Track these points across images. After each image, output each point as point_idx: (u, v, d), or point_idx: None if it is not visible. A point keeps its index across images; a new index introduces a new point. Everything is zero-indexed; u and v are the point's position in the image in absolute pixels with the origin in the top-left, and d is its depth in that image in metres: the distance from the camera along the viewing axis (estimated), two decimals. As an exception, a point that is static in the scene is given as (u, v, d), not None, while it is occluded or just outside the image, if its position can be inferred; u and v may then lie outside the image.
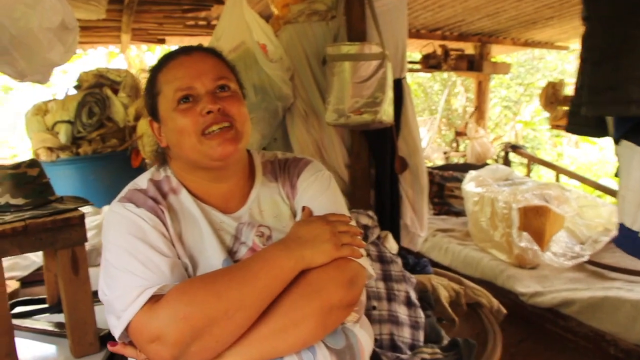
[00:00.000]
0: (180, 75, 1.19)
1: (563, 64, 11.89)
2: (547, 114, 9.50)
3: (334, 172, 2.95)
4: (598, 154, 11.15)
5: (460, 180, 5.19)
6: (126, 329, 1.05)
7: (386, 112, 2.63)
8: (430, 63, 6.07)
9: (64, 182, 3.68)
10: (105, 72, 3.96)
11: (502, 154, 6.58)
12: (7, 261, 2.33)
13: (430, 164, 6.90)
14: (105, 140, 3.81)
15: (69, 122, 3.65)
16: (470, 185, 4.35)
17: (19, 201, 1.76)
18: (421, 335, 2.18)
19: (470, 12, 4.98)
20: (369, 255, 2.36)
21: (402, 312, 2.21)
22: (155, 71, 1.25)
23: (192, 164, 1.22)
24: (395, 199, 3.07)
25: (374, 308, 2.18)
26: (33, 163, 1.88)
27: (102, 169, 3.73)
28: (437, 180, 5.48)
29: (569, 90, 5.78)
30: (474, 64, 6.38)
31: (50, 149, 3.66)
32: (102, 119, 3.76)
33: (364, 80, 2.58)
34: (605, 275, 3.57)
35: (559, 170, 6.13)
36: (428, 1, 4.53)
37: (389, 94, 2.65)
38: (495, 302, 2.70)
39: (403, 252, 2.86)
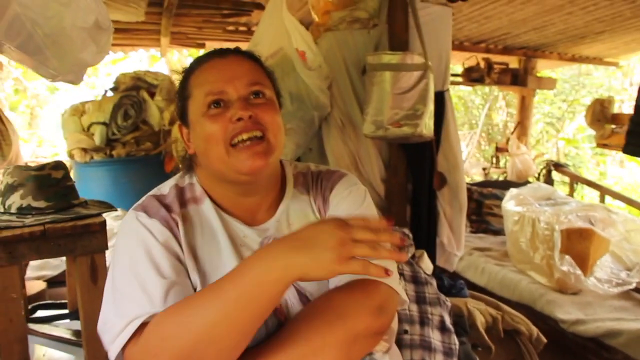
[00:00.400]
0: (212, 78, 1.11)
1: (610, 80, 11.57)
2: (591, 132, 9.29)
3: (369, 186, 2.86)
4: (645, 174, 10.81)
5: (499, 198, 5.05)
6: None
7: (427, 126, 2.53)
8: (473, 76, 5.93)
9: (96, 183, 3.68)
10: (142, 74, 3.95)
11: (544, 172, 6.38)
12: (37, 259, 2.30)
13: (468, 180, 6.74)
14: (139, 143, 3.78)
15: (104, 123, 3.64)
16: (510, 203, 4.20)
17: (41, 204, 1.72)
18: (455, 364, 2.06)
19: (516, 25, 4.84)
20: (402, 275, 2.26)
21: (435, 337, 2.10)
22: (188, 73, 1.18)
23: (219, 176, 1.14)
24: (432, 216, 2.98)
25: (406, 332, 2.07)
26: (58, 165, 1.84)
27: (135, 172, 3.71)
28: (475, 196, 5.34)
29: (618, 107, 5.58)
30: (518, 79, 6.23)
31: (84, 150, 3.65)
32: (137, 121, 3.74)
33: (404, 91, 2.49)
34: (655, 305, 3.38)
35: (604, 190, 5.91)
36: (473, 13, 4.40)
37: (430, 106, 2.56)
38: (535, 330, 2.57)
39: (438, 273, 2.74)
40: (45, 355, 1.86)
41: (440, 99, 2.86)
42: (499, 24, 4.81)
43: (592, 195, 8.73)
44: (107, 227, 1.79)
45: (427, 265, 2.51)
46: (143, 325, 0.95)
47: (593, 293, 3.51)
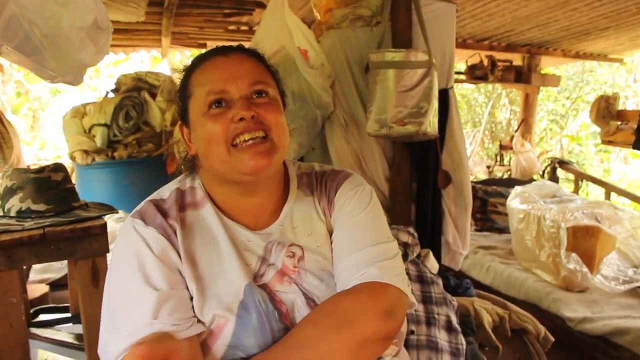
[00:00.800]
0: (214, 77, 1.08)
1: (614, 77, 11.52)
2: (595, 129, 9.25)
3: (373, 185, 2.82)
4: (649, 171, 10.76)
5: (504, 196, 5.03)
6: None
7: (431, 124, 2.51)
8: (476, 74, 5.89)
9: (97, 185, 3.66)
10: (143, 75, 3.93)
11: (549, 169, 6.35)
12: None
13: (472, 178, 6.71)
14: (141, 144, 3.76)
15: (105, 125, 3.62)
16: (515, 201, 4.17)
17: (41, 207, 1.70)
18: (462, 364, 2.04)
19: (520, 22, 4.80)
20: (408, 275, 2.23)
21: (442, 337, 2.08)
22: (189, 72, 1.15)
23: (220, 176, 1.12)
24: (437, 215, 2.95)
25: (412, 332, 2.05)
26: (58, 167, 1.81)
27: (137, 174, 3.69)
28: (480, 195, 5.32)
29: (622, 104, 5.54)
30: (521, 76, 6.19)
31: (85, 151, 3.63)
32: (138, 123, 3.72)
33: (408, 89, 2.46)
34: (662, 302, 3.34)
35: (609, 187, 5.87)
36: (476, 10, 4.37)
37: (435, 104, 2.53)
38: (542, 329, 2.55)
39: (444, 273, 2.71)
40: (47, 359, 1.83)
41: (445, 96, 2.84)
42: (502, 21, 4.77)
43: (596, 193, 8.68)
44: (109, 230, 1.77)
45: (432, 264, 2.48)
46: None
47: (600, 291, 3.49)
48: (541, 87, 7.02)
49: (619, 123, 5.43)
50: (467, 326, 2.29)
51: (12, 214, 1.72)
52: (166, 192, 1.16)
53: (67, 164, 4.38)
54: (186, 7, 3.83)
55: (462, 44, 5.55)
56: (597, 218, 3.62)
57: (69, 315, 2.18)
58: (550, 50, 6.13)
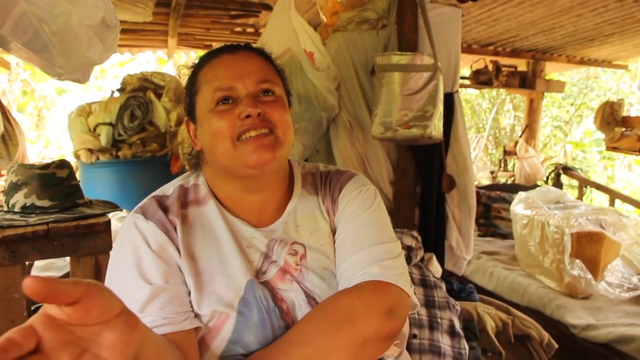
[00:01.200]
0: (222, 74, 1.09)
1: (618, 84, 11.50)
2: (599, 135, 9.23)
3: (377, 188, 2.81)
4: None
5: (507, 201, 5.02)
6: None
7: (436, 127, 2.50)
8: (481, 79, 5.90)
9: (101, 184, 3.66)
10: (149, 75, 3.93)
11: (553, 175, 6.33)
12: (42, 260, 2.26)
13: (476, 183, 6.70)
14: (145, 144, 3.76)
15: (110, 124, 3.63)
16: (519, 207, 4.15)
17: (45, 203, 1.70)
18: (465, 369, 2.03)
19: (525, 28, 4.80)
20: (411, 279, 2.22)
21: (444, 342, 2.07)
22: (197, 68, 1.16)
23: (225, 171, 1.12)
24: (440, 219, 2.94)
25: (415, 336, 2.05)
26: (63, 164, 1.81)
27: (141, 174, 3.69)
28: (483, 200, 5.31)
29: (626, 111, 5.54)
30: (526, 81, 6.19)
31: (90, 150, 3.63)
32: (143, 122, 3.72)
33: (414, 92, 2.45)
34: (667, 310, 3.32)
35: (613, 194, 5.85)
36: (482, 15, 4.37)
37: (440, 108, 2.53)
38: (546, 335, 2.54)
39: (447, 277, 2.71)
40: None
41: (450, 100, 2.83)
42: (507, 26, 4.77)
43: (600, 199, 8.67)
44: (112, 228, 1.76)
45: (436, 268, 2.48)
46: None
47: (604, 298, 3.47)
48: (545, 93, 7.00)
49: (623, 129, 5.42)
50: (470, 331, 2.28)
51: (17, 209, 1.72)
52: (169, 188, 1.16)
53: (72, 162, 4.39)
54: (193, 8, 3.84)
55: (467, 49, 5.55)
56: (602, 224, 3.60)
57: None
58: (554, 56, 6.13)
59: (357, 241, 1.12)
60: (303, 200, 1.20)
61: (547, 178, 6.51)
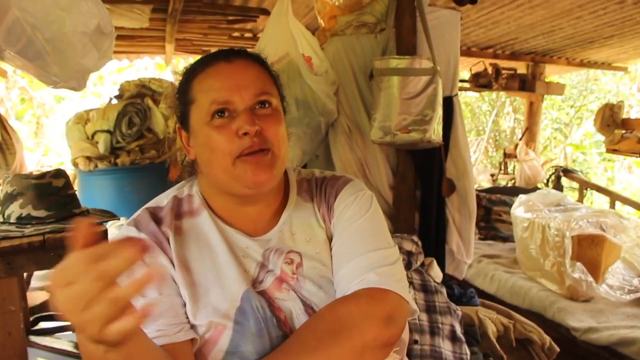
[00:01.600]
0: (218, 86, 1.06)
1: (618, 86, 11.50)
2: (599, 137, 9.22)
3: (377, 193, 2.81)
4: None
5: (508, 204, 5.01)
6: None
7: (435, 131, 2.49)
8: (480, 82, 5.89)
9: (100, 192, 3.64)
10: (147, 82, 3.92)
11: (553, 178, 6.32)
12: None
13: (476, 186, 6.68)
14: (144, 151, 3.74)
15: (108, 131, 3.61)
16: (519, 210, 4.14)
17: (41, 213, 1.68)
18: (466, 375, 2.02)
19: (524, 30, 4.79)
20: (411, 284, 2.21)
21: (446, 347, 2.06)
22: (190, 75, 1.12)
23: (220, 186, 1.10)
24: (441, 223, 2.92)
25: (416, 342, 2.03)
26: (59, 173, 1.80)
27: (139, 181, 3.67)
28: (484, 203, 5.29)
29: (626, 113, 5.53)
30: (526, 84, 6.19)
31: (88, 158, 3.62)
32: (142, 129, 3.70)
33: (413, 96, 2.44)
34: (669, 313, 3.30)
35: (614, 196, 5.84)
36: (481, 18, 4.36)
37: (439, 111, 2.51)
38: (548, 339, 2.52)
39: (448, 282, 2.69)
40: (46, 368, 1.81)
41: (449, 104, 2.81)
42: (506, 29, 4.76)
43: (601, 201, 8.65)
44: (110, 237, 1.75)
45: (436, 273, 2.46)
46: None
47: (605, 300, 3.46)
48: (545, 96, 6.99)
49: (623, 131, 5.41)
50: (472, 336, 2.26)
51: (12, 220, 1.71)
52: (163, 199, 1.15)
53: (70, 170, 4.38)
54: (190, 14, 3.83)
55: (467, 52, 5.55)
56: (602, 227, 3.58)
57: (69, 323, 2.15)
58: (554, 58, 6.13)
59: (353, 248, 1.11)
60: (298, 208, 1.18)
61: (548, 180, 6.49)
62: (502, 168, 7.62)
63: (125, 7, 2.87)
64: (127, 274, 0.63)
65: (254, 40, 4.78)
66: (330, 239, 1.16)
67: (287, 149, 1.13)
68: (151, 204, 1.15)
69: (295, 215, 1.17)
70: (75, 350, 1.86)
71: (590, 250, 3.52)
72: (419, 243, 2.39)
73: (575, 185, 6.73)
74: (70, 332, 2.09)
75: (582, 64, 6.38)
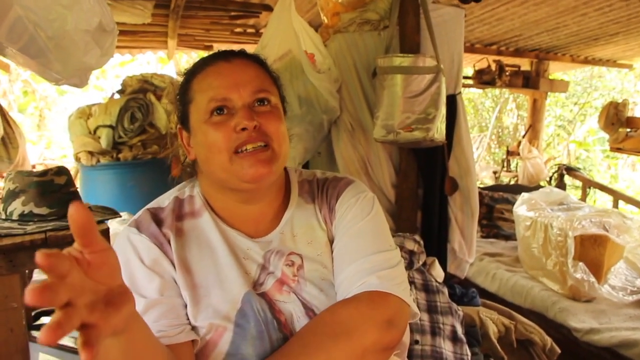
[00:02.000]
0: (216, 84, 1.06)
1: (623, 83, 11.45)
2: (602, 134, 9.19)
3: (379, 191, 2.80)
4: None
5: (510, 202, 4.99)
6: None
7: (439, 130, 2.48)
8: (484, 79, 5.86)
9: (102, 187, 3.64)
10: (149, 77, 3.91)
11: (556, 176, 6.30)
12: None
13: (478, 183, 6.67)
14: (146, 146, 3.74)
15: (110, 126, 3.60)
16: (522, 208, 4.13)
17: (43, 210, 1.68)
18: (467, 375, 2.01)
19: (528, 27, 4.77)
20: (412, 283, 2.20)
21: (447, 348, 2.05)
22: (190, 75, 1.13)
23: (221, 183, 1.10)
24: (443, 221, 2.91)
25: (417, 342, 2.03)
26: (61, 171, 1.80)
27: (141, 176, 3.67)
28: (486, 201, 5.28)
29: (631, 110, 5.50)
30: (529, 81, 6.15)
31: (90, 153, 3.61)
32: (144, 124, 3.70)
33: (416, 95, 2.43)
34: (671, 314, 3.29)
35: (617, 195, 5.81)
36: (485, 14, 4.34)
37: (442, 110, 2.50)
38: (549, 340, 2.52)
39: (450, 282, 2.69)
40: (47, 364, 1.81)
41: (452, 102, 2.80)
42: (511, 26, 4.74)
43: (604, 199, 8.62)
44: (112, 231, 1.75)
45: (438, 273, 2.45)
46: None
47: (607, 301, 3.44)
48: (549, 93, 6.97)
49: (628, 130, 5.39)
50: (473, 336, 2.26)
51: (15, 217, 1.71)
52: (165, 200, 1.15)
53: (72, 164, 4.37)
54: (192, 9, 3.81)
55: (470, 48, 5.52)
56: (606, 227, 3.56)
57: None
58: (558, 55, 6.10)
59: (354, 250, 1.11)
60: (299, 210, 1.18)
61: (551, 178, 6.48)
62: (505, 165, 7.60)
63: (127, 3, 2.86)
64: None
65: (256, 36, 4.76)
66: (331, 241, 1.16)
67: (288, 146, 1.12)
68: (152, 204, 1.15)
69: (297, 216, 1.17)
70: (76, 347, 1.86)
71: (593, 250, 3.50)
72: (421, 242, 2.39)
73: (579, 183, 6.71)
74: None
75: (587, 61, 6.34)
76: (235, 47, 1.20)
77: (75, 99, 9.84)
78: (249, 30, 4.78)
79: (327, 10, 3.02)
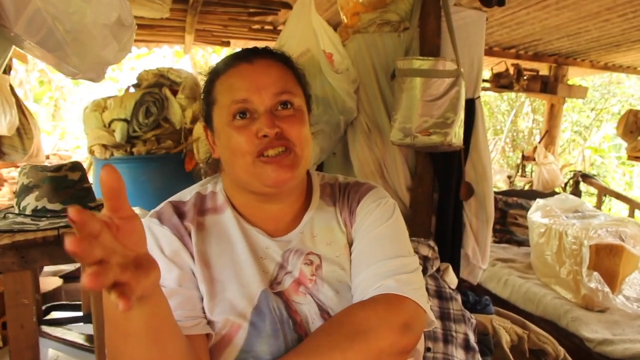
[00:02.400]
0: (238, 86, 1.07)
1: (642, 90, 11.32)
2: (618, 141, 9.09)
3: (394, 194, 2.77)
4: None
5: (524, 208, 4.95)
6: None
7: (457, 135, 2.44)
8: (501, 82, 5.80)
9: (115, 180, 3.63)
10: (165, 72, 3.90)
11: (572, 182, 6.23)
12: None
13: (493, 188, 6.62)
14: (160, 141, 3.73)
15: (125, 120, 3.60)
16: (536, 214, 4.08)
17: (56, 206, 1.67)
18: (479, 385, 1.99)
19: (548, 31, 4.71)
20: (426, 290, 2.17)
21: (459, 356, 2.02)
22: (213, 76, 1.13)
23: (242, 185, 1.11)
24: (457, 227, 2.87)
25: (429, 350, 2.00)
26: (75, 166, 1.79)
27: (155, 171, 3.66)
28: (500, 206, 5.24)
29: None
30: (547, 86, 6.09)
31: (104, 146, 3.61)
32: (158, 119, 3.69)
33: (435, 98, 2.39)
34: (686, 327, 3.23)
35: (634, 204, 5.74)
36: (505, 18, 4.29)
37: (461, 115, 2.46)
38: (562, 351, 2.48)
39: (463, 288, 2.65)
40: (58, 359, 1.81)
41: (471, 106, 2.76)
42: (530, 30, 4.69)
43: (619, 207, 8.53)
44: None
45: (451, 279, 2.42)
46: None
47: (621, 312, 3.39)
48: (566, 98, 6.89)
49: (646, 138, 5.32)
50: (485, 345, 2.23)
51: (28, 212, 1.70)
52: (187, 195, 1.17)
53: (86, 156, 4.37)
54: (211, 5, 3.81)
55: (488, 51, 5.47)
56: (622, 236, 3.51)
57: (80, 314, 2.15)
58: (578, 60, 6.03)
59: (373, 254, 1.11)
60: (320, 211, 1.19)
61: (566, 185, 6.41)
62: (520, 170, 7.53)
63: (146, -3, 2.85)
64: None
65: (274, 33, 4.75)
66: (350, 244, 1.16)
67: (310, 149, 1.12)
68: (174, 198, 1.17)
69: (317, 217, 1.18)
70: (86, 343, 1.86)
71: (608, 260, 3.46)
72: (435, 248, 2.35)
73: (594, 190, 6.64)
74: (81, 324, 2.09)
75: (607, 67, 6.26)
76: (253, 44, 1.18)
77: (91, 90, 9.89)
78: (267, 27, 4.77)
79: (347, 9, 2.99)
